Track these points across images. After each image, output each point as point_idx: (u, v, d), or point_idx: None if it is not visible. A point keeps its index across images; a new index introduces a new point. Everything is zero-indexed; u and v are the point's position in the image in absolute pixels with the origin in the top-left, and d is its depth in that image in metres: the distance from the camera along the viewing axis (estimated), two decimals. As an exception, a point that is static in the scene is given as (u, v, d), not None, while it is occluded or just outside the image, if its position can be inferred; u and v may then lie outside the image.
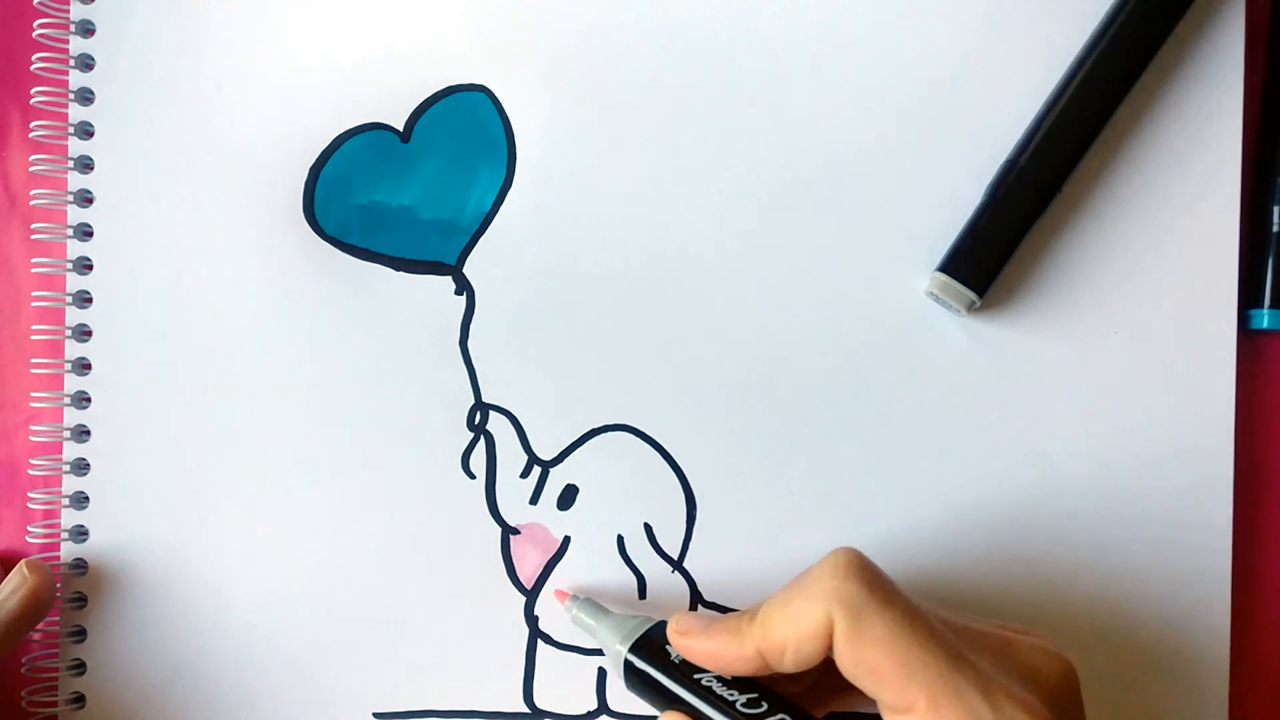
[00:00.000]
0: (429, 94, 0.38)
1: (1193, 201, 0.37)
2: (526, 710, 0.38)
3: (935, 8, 0.38)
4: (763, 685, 0.31)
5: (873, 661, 0.27)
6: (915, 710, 0.26)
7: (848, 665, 0.28)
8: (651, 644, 0.33)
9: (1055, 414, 0.37)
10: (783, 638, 0.28)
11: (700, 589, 0.38)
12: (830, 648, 0.28)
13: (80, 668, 0.38)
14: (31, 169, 0.38)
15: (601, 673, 0.38)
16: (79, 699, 0.38)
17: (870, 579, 0.28)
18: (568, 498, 0.38)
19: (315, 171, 0.38)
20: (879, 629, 0.27)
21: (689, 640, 0.31)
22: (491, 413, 0.38)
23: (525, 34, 0.38)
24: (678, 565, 0.38)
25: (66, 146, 0.38)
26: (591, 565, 0.38)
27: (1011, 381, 0.37)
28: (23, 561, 0.37)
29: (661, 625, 0.33)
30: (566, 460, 0.38)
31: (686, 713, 0.31)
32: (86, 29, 0.39)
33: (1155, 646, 0.37)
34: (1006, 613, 0.37)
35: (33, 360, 0.38)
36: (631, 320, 0.38)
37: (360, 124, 0.38)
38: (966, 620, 0.30)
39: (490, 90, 0.38)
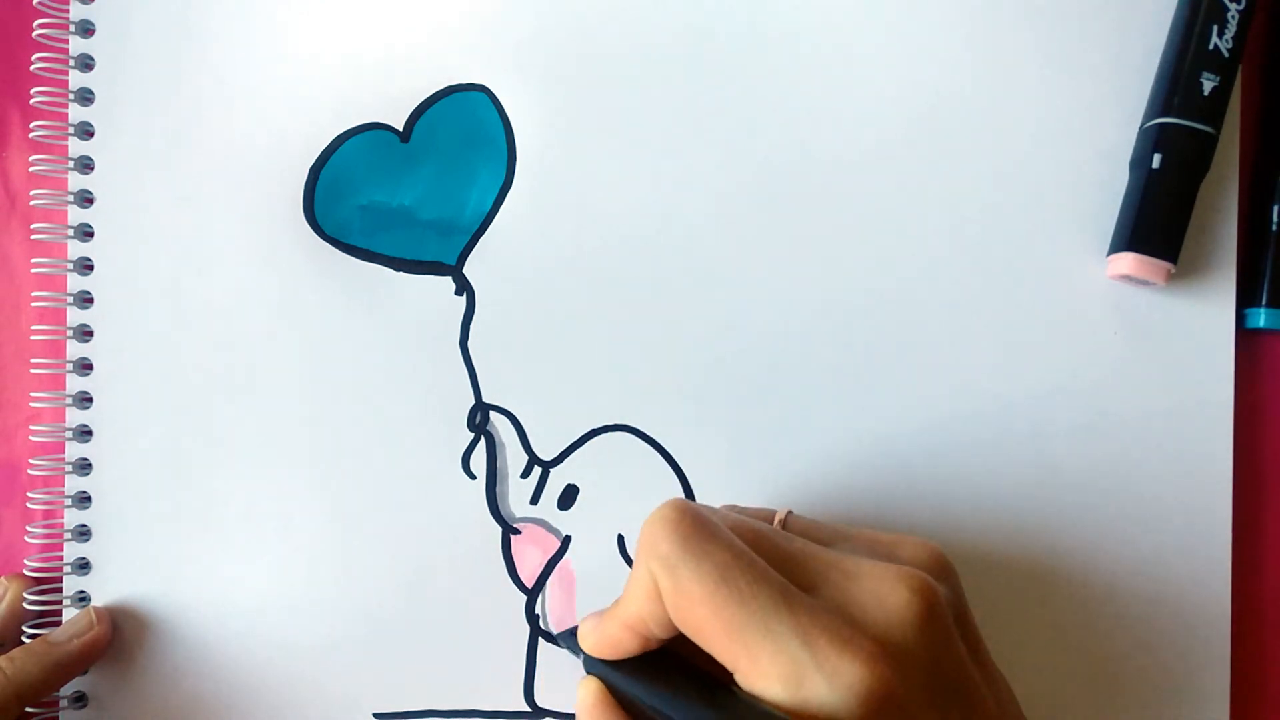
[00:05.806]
0: (429, 94, 0.38)
1: (1191, 201, 0.38)
2: (528, 709, 0.38)
3: (932, 15, 0.38)
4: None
5: (695, 622, 0.25)
6: (739, 668, 0.25)
7: (680, 627, 0.26)
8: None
9: (1055, 413, 0.37)
10: (635, 609, 0.27)
11: (700, 588, 0.38)
12: None
13: (81, 667, 0.38)
14: (31, 169, 0.38)
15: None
16: (80, 698, 0.38)
17: (686, 532, 0.26)
18: (568, 498, 0.38)
19: (315, 171, 0.38)
20: (695, 587, 0.25)
21: (587, 644, 0.29)
22: (491, 413, 0.38)
23: (525, 34, 0.38)
24: (678, 565, 0.38)
25: (66, 146, 0.38)
26: (591, 565, 0.38)
27: (1010, 380, 0.37)
28: (92, 607, 0.38)
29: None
30: (567, 460, 0.38)
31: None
32: (86, 29, 0.39)
33: (1155, 646, 0.37)
34: (1003, 612, 0.37)
35: (33, 360, 0.38)
36: (631, 320, 0.38)
37: (360, 124, 0.38)
38: (836, 532, 0.29)
39: (490, 90, 0.38)
